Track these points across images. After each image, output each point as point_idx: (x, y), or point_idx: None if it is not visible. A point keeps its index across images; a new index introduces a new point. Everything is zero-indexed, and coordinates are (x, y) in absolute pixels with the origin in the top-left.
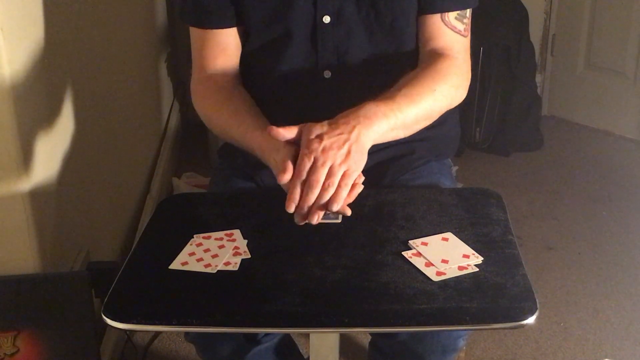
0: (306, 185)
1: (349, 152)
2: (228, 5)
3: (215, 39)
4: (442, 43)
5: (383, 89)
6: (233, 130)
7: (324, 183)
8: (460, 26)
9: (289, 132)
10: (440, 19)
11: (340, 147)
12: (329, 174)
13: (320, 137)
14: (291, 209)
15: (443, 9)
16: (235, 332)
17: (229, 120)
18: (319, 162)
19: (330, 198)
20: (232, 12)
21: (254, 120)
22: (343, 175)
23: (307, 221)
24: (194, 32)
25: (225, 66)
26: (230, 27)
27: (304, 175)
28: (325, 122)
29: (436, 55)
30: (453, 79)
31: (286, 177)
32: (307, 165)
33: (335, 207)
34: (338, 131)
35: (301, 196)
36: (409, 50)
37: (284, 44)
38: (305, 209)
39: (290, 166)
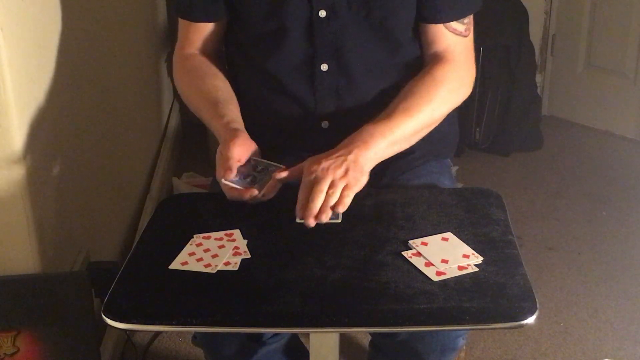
0: (310, 196)
1: (347, 170)
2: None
3: (199, 27)
4: (443, 46)
5: (380, 82)
6: (202, 112)
7: (327, 191)
8: (460, 28)
9: (293, 172)
10: (442, 25)
11: (338, 167)
12: (331, 185)
13: (318, 161)
14: (299, 218)
15: (448, 19)
16: (236, 332)
17: (200, 104)
18: (320, 178)
19: (335, 202)
20: (217, 7)
21: (219, 107)
22: (344, 188)
23: (316, 221)
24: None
25: (205, 49)
26: (213, 21)
27: (308, 192)
28: (326, 152)
29: (435, 60)
30: (451, 83)
31: (227, 176)
32: (309, 183)
33: (342, 209)
34: (336, 154)
35: (308, 205)
36: (401, 50)
37: (280, 37)
38: (313, 214)
39: (235, 168)
